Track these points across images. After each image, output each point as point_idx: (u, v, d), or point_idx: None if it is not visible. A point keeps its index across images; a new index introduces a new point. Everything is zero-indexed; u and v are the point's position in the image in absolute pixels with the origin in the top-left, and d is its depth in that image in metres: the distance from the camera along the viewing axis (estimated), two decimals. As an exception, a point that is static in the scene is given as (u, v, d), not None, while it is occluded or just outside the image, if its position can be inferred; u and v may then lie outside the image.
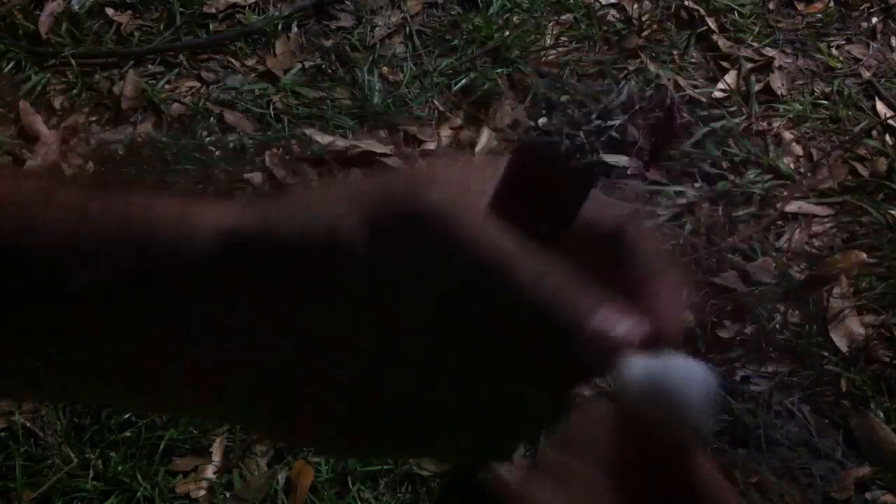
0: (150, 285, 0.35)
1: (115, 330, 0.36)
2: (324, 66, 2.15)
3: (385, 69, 2.14)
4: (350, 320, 0.35)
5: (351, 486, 1.54)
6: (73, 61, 2.12)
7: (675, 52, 2.18)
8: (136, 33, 2.22)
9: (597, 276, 0.36)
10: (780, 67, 2.16)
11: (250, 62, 2.17)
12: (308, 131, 2.00)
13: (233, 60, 2.17)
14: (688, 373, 0.32)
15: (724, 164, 1.96)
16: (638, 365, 0.32)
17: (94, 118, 2.06)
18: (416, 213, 0.35)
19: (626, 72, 2.12)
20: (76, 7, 2.22)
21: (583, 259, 0.37)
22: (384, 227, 0.35)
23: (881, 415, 1.61)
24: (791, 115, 2.07)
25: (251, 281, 0.35)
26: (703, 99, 2.08)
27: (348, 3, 2.29)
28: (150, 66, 2.16)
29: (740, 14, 2.25)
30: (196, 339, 0.36)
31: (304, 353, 0.35)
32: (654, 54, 2.17)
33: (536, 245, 0.35)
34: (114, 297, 0.35)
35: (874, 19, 2.26)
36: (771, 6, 2.29)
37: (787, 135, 2.03)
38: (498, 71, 2.12)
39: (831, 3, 2.29)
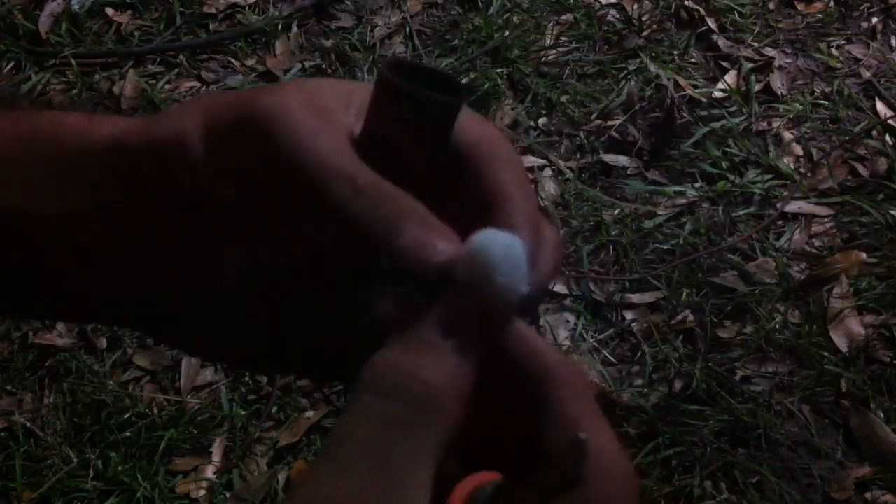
0: (60, 193, 0.38)
1: (32, 236, 0.38)
2: (324, 66, 2.15)
3: (385, 69, 2.14)
4: (198, 217, 0.37)
5: (351, 486, 1.54)
6: (73, 61, 2.12)
7: (675, 52, 2.18)
8: (136, 33, 2.22)
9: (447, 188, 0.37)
10: (780, 67, 2.16)
11: (250, 62, 2.17)
12: (308, 131, 2.00)
13: (233, 60, 2.17)
14: (491, 240, 0.33)
15: (724, 164, 1.96)
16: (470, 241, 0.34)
17: (94, 118, 2.06)
18: (246, 116, 0.35)
19: (626, 72, 2.12)
20: (76, 7, 2.22)
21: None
22: (219, 130, 0.36)
23: (881, 415, 1.61)
24: (791, 115, 2.07)
25: (135, 181, 0.37)
26: (703, 99, 2.08)
27: (348, 3, 2.29)
28: (150, 66, 2.16)
29: (740, 14, 2.25)
30: (100, 234, 0.38)
31: (173, 244, 0.38)
32: (654, 54, 2.17)
33: (366, 161, 0.35)
34: (28, 206, 0.38)
35: (874, 19, 2.26)
36: (771, 6, 2.29)
37: (787, 135, 2.03)
38: (498, 71, 2.12)
39: (831, 3, 2.29)
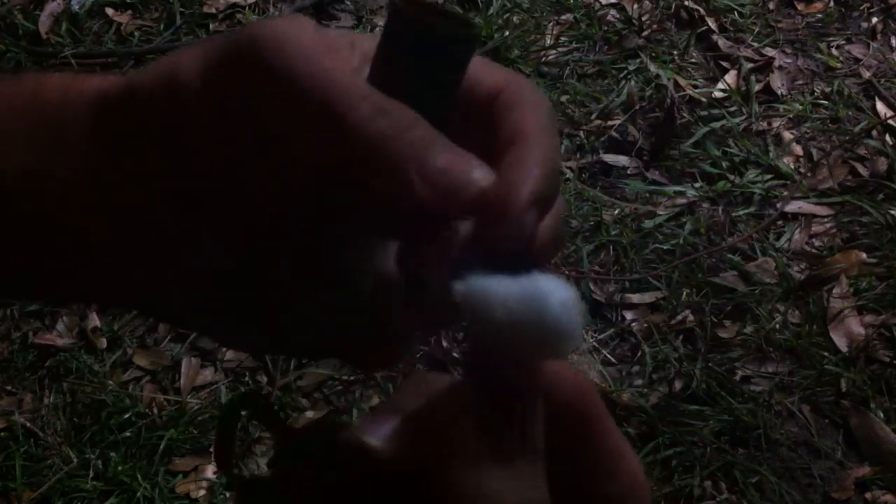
0: (45, 149, 0.36)
1: (18, 198, 0.36)
2: (324, 66, 2.15)
3: (385, 69, 2.14)
4: (201, 158, 0.34)
5: (351, 486, 1.54)
6: (73, 61, 2.12)
7: (675, 52, 2.18)
8: (136, 33, 2.22)
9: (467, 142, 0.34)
10: (780, 67, 2.16)
11: (250, 62, 2.17)
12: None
13: (233, 60, 2.17)
14: (547, 290, 0.29)
15: (724, 164, 1.96)
16: (489, 287, 0.29)
17: (94, 118, 2.06)
18: (252, 39, 0.32)
19: (626, 72, 2.12)
20: (76, 7, 2.22)
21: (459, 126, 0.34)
22: (218, 58, 0.33)
23: (881, 415, 1.61)
24: (791, 115, 2.07)
25: (123, 132, 0.35)
26: (703, 99, 2.08)
27: (348, 3, 2.29)
28: (150, 66, 2.16)
29: (740, 14, 2.25)
30: (98, 219, 0.36)
31: (166, 193, 0.35)
32: (654, 54, 2.17)
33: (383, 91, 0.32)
34: (14, 165, 0.36)
35: (874, 19, 2.26)
36: (771, 6, 2.29)
37: (787, 135, 2.03)
38: (498, 71, 2.12)
39: (831, 3, 2.29)
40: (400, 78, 0.34)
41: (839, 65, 2.17)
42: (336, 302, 0.38)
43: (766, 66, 2.16)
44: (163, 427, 1.60)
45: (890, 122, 2.03)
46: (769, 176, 1.95)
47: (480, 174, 0.31)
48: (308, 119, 0.32)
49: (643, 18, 2.24)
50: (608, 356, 1.70)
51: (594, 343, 1.72)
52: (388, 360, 0.40)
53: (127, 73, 0.37)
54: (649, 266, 1.81)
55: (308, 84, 0.32)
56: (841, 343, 1.69)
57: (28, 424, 1.62)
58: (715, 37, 2.21)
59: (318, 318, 0.38)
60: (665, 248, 1.83)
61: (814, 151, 2.01)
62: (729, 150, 1.99)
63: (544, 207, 0.33)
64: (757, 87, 2.11)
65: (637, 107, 2.05)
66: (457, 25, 0.34)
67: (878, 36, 2.23)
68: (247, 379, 1.67)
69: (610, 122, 2.04)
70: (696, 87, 2.11)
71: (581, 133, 2.02)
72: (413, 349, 1.63)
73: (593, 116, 2.05)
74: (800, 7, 2.29)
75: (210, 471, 1.57)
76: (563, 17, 2.25)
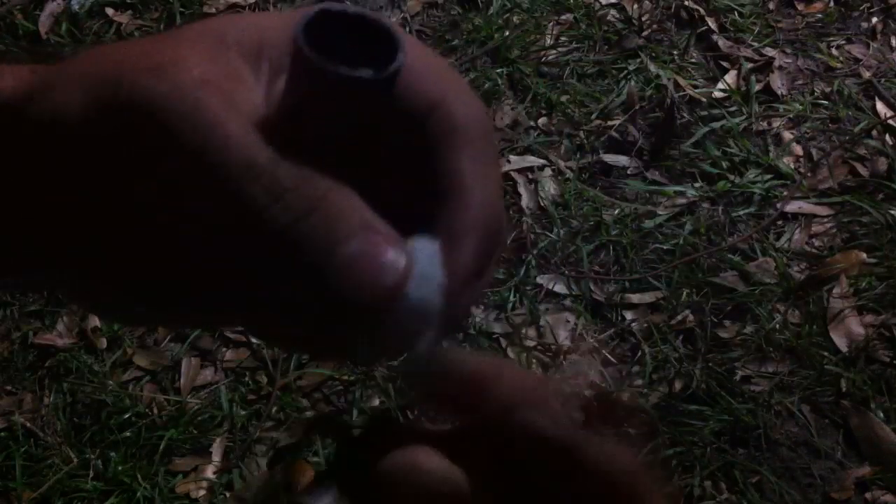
0: None
1: None
2: (324, 66, 2.15)
3: (385, 69, 2.14)
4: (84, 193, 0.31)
5: (351, 486, 1.54)
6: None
7: (675, 52, 2.18)
8: (136, 33, 2.22)
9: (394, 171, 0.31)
10: (780, 67, 2.16)
11: (250, 62, 2.16)
12: (308, 131, 2.00)
13: (233, 60, 2.17)
14: (416, 250, 0.30)
15: (724, 164, 1.96)
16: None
17: (94, 118, 2.06)
18: (140, 103, 0.29)
19: (626, 72, 2.12)
20: (76, 7, 2.22)
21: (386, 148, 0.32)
22: (107, 118, 0.30)
23: (881, 415, 1.61)
24: (791, 115, 2.07)
25: (17, 144, 0.32)
26: (703, 99, 2.08)
27: (348, 3, 2.29)
28: (150, 66, 2.16)
29: (740, 14, 2.25)
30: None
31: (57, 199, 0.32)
32: (654, 54, 2.17)
33: (286, 154, 0.29)
34: None
35: (874, 19, 2.26)
36: (771, 6, 2.29)
37: (787, 135, 2.03)
38: (498, 71, 2.12)
39: (831, 3, 2.29)
40: (315, 110, 0.30)
41: (839, 65, 2.17)
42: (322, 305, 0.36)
43: (766, 66, 2.16)
44: (163, 427, 1.60)
45: (890, 122, 2.03)
46: (769, 176, 1.95)
47: (393, 260, 0.29)
48: (199, 194, 0.29)
49: (643, 18, 2.24)
50: (608, 356, 1.70)
51: (594, 343, 1.72)
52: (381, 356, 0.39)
53: (35, 71, 0.33)
54: (649, 266, 1.81)
55: (207, 160, 0.29)
56: (841, 343, 1.69)
57: (28, 424, 1.62)
58: (715, 37, 2.21)
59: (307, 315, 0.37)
60: (665, 248, 1.83)
61: (814, 151, 2.01)
62: (729, 150, 1.99)
63: (485, 269, 0.32)
64: (757, 87, 2.11)
65: (637, 107, 2.05)
66: (378, 38, 0.30)
67: (878, 36, 2.23)
68: (247, 379, 1.67)
69: (610, 122, 2.04)
70: (696, 87, 2.11)
71: (581, 133, 2.02)
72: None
73: (593, 116, 2.05)
74: (800, 7, 2.29)
75: (210, 471, 1.57)
76: (563, 17, 2.25)
